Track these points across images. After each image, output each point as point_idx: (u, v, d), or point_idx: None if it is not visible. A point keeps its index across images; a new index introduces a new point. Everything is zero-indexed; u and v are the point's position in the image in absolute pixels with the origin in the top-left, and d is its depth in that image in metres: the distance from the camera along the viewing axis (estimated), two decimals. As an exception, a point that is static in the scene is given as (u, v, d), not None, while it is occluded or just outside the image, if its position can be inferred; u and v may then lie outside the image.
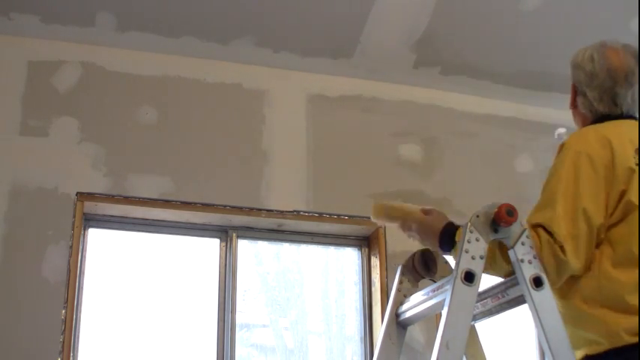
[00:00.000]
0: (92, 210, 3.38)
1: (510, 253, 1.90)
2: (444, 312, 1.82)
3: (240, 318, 3.49)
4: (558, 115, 3.67)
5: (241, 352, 3.51)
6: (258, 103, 3.72)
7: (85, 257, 3.35)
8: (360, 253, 3.82)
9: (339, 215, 3.65)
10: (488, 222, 1.90)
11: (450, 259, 2.09)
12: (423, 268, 2.25)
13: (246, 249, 3.68)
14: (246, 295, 3.68)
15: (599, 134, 2.03)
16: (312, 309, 3.87)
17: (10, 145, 3.30)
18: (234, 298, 3.45)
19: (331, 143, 3.76)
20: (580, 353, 1.97)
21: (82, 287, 3.30)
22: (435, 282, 2.10)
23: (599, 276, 1.94)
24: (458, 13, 3.61)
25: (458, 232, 1.98)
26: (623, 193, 1.96)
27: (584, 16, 3.65)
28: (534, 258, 1.87)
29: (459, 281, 1.83)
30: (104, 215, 3.45)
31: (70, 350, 3.10)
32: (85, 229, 3.38)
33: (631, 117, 2.16)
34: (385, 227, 3.57)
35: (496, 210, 1.89)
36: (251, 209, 3.54)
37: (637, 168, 1.98)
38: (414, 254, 2.26)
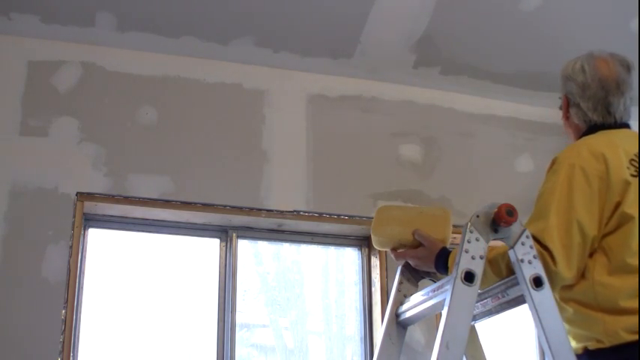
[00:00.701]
0: (92, 210, 3.38)
1: (510, 253, 1.90)
2: (444, 312, 1.82)
3: (240, 318, 3.49)
4: (558, 115, 3.67)
5: (241, 352, 3.51)
6: (258, 103, 3.72)
7: (85, 257, 3.34)
8: (360, 253, 3.82)
9: (339, 215, 3.64)
10: (488, 222, 1.90)
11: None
12: (423, 268, 2.26)
13: (246, 249, 3.68)
14: (246, 295, 3.68)
15: (593, 147, 2.06)
16: (312, 309, 3.87)
17: (10, 145, 3.30)
18: (234, 298, 3.45)
19: (331, 143, 3.76)
20: (581, 345, 1.99)
21: (82, 287, 3.30)
22: (435, 282, 2.10)
23: (594, 284, 1.97)
24: (458, 13, 3.61)
25: (451, 256, 2.05)
26: (618, 205, 1.99)
27: (584, 16, 3.65)
28: (534, 258, 1.88)
29: (459, 281, 1.83)
30: (104, 215, 3.45)
31: (70, 350, 3.10)
32: (85, 229, 3.38)
33: (624, 125, 2.18)
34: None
35: (496, 210, 1.90)
36: (251, 209, 3.54)
37: (632, 179, 2.00)
38: (414, 254, 2.26)
